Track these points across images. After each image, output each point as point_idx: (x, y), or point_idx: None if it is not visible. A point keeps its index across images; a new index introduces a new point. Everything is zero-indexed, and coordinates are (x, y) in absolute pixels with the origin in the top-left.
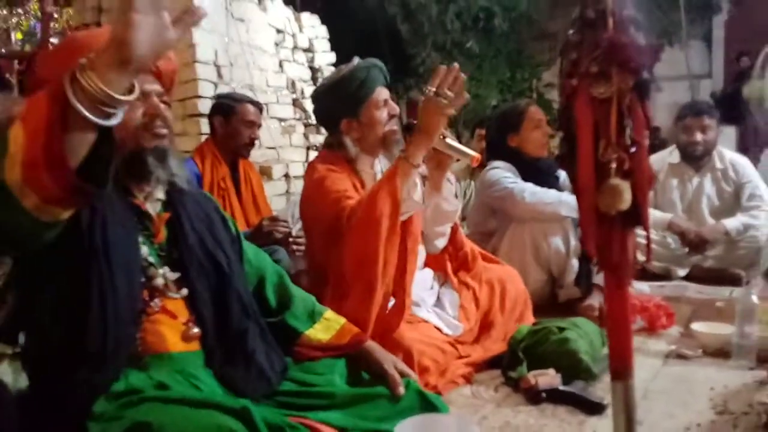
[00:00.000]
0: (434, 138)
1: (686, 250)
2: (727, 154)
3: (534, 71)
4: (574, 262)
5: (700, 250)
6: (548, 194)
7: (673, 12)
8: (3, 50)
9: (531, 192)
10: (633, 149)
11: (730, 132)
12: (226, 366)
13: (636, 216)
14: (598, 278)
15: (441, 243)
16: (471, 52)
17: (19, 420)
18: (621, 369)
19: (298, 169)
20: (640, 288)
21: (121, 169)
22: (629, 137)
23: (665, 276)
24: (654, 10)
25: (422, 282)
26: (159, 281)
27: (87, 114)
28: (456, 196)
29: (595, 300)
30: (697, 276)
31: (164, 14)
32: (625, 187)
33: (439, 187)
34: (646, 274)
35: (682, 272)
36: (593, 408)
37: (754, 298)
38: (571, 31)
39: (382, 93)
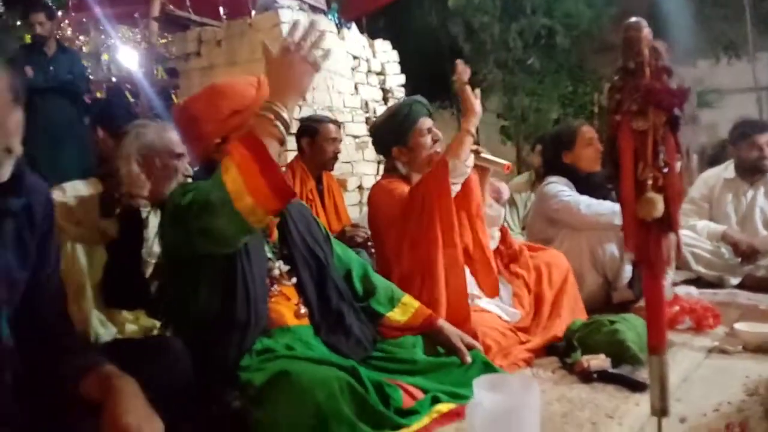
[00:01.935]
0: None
1: (739, 260)
2: None
3: (596, 84)
4: (628, 267)
5: (752, 260)
6: (603, 206)
7: (741, 24)
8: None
9: (586, 204)
10: (665, 170)
11: None
12: (331, 336)
13: (668, 222)
14: None
15: (491, 245)
16: (533, 69)
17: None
18: (656, 345)
19: (370, 182)
20: (688, 291)
21: None
22: (662, 161)
23: (719, 284)
24: (720, 22)
25: None
26: (275, 272)
27: (283, 131)
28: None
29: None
30: (749, 285)
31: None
32: (659, 200)
33: (482, 197)
34: (700, 282)
35: (734, 281)
36: (637, 386)
37: None
38: (615, 77)
39: (426, 123)
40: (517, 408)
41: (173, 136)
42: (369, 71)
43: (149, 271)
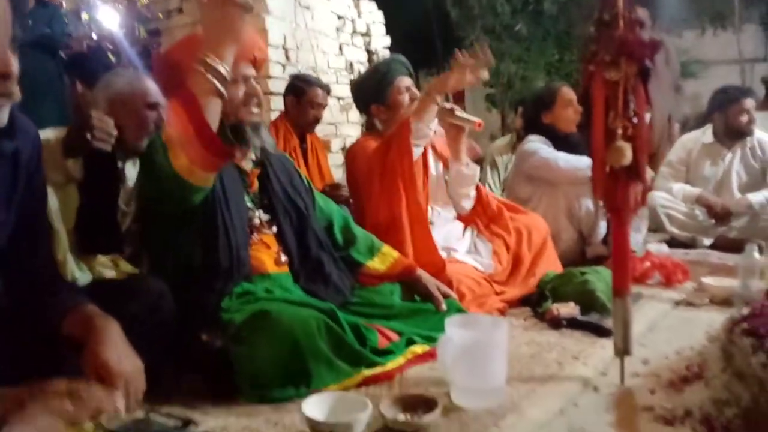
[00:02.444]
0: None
1: (712, 221)
2: (756, 133)
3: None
4: (603, 224)
5: (725, 221)
6: (581, 161)
7: None
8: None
9: (564, 160)
10: (635, 120)
11: None
12: (310, 284)
13: (636, 170)
14: None
15: (467, 203)
16: (520, 35)
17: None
18: (620, 288)
19: None
20: (659, 248)
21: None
22: (632, 111)
23: (692, 245)
24: None
25: (454, 232)
26: (256, 221)
27: (218, 84)
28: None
29: None
30: (720, 245)
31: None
32: (628, 148)
33: (458, 156)
34: (674, 242)
35: (707, 242)
36: (604, 332)
37: (756, 255)
38: (591, 29)
39: (404, 81)
40: (486, 343)
41: (147, 85)
42: (354, 32)
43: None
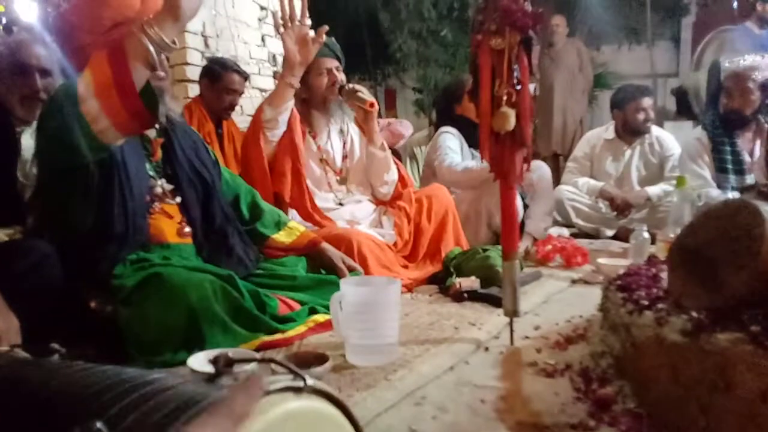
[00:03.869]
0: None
1: (614, 213)
2: (655, 130)
3: None
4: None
5: (626, 213)
6: (470, 162)
7: (641, 13)
8: None
9: (448, 164)
10: (519, 87)
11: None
12: (213, 255)
13: (521, 136)
14: (530, 226)
15: (384, 189)
16: (446, 40)
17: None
18: (508, 251)
19: None
20: (560, 232)
21: None
22: (516, 78)
23: (595, 236)
24: (623, 9)
25: (363, 210)
26: (158, 190)
27: (154, 54)
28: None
29: (524, 244)
30: (622, 236)
31: None
32: (512, 114)
33: (371, 138)
34: (579, 234)
35: (609, 232)
36: (501, 303)
37: (645, 234)
38: (479, 0)
39: (325, 63)
40: (378, 300)
41: (35, 52)
42: None
43: (28, 192)
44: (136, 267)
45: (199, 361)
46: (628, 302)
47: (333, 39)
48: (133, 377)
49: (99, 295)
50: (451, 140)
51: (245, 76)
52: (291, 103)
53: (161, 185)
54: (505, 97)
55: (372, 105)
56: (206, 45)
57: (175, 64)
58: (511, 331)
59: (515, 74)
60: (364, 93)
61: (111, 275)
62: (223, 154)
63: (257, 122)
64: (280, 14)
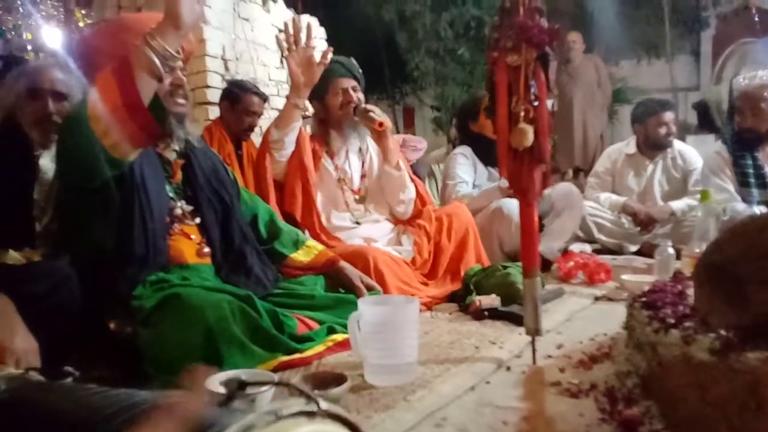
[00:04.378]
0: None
1: (637, 229)
2: (677, 144)
3: None
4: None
5: (649, 228)
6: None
7: (660, 27)
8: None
9: (456, 198)
10: (536, 103)
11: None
12: (232, 276)
13: (539, 152)
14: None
15: (401, 208)
16: (463, 59)
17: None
18: (529, 269)
19: None
20: (582, 248)
21: None
22: (533, 94)
23: (618, 251)
24: (641, 25)
25: (380, 229)
26: (178, 211)
27: (158, 64)
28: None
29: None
30: (646, 252)
31: None
32: (530, 130)
33: (386, 156)
34: (602, 250)
35: (633, 248)
36: (522, 321)
37: (670, 250)
38: (495, 17)
39: (341, 83)
40: (396, 319)
41: (51, 76)
42: None
43: (47, 216)
44: (156, 288)
45: (217, 382)
46: (654, 320)
47: (352, 59)
48: (144, 401)
49: (118, 316)
50: (460, 166)
51: (264, 98)
52: (298, 124)
53: (181, 206)
54: (522, 114)
55: (381, 125)
56: (226, 68)
57: (196, 87)
58: (534, 349)
59: (532, 90)
60: (376, 113)
61: (131, 296)
62: (243, 175)
63: (264, 144)
64: (284, 38)
